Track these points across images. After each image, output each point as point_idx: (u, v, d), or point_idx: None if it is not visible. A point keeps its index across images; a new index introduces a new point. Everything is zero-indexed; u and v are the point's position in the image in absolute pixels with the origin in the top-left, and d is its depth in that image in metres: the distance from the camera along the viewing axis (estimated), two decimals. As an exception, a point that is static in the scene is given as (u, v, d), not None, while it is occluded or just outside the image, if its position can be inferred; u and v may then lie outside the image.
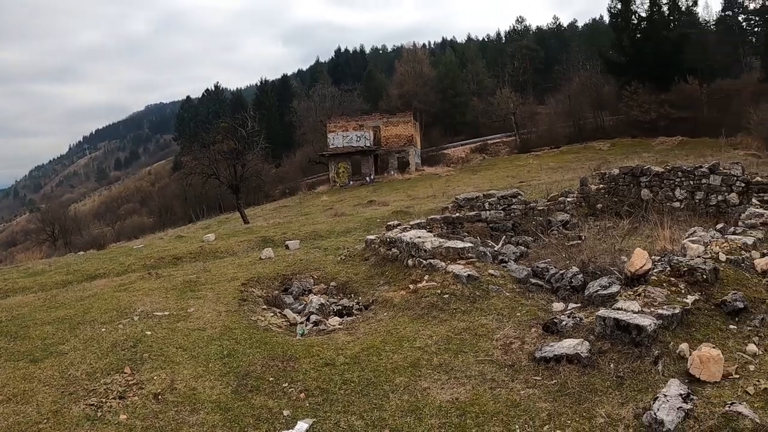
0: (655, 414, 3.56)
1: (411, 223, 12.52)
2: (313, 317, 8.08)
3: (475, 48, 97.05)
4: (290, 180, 64.33)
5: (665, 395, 3.72)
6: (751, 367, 4.36)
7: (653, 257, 6.94)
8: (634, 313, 4.90)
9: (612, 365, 4.51)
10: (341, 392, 5.06)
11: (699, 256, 6.33)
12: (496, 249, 10.48)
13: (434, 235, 10.33)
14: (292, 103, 78.56)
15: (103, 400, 5.17)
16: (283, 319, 8.14)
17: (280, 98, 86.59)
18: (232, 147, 33.72)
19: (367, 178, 46.05)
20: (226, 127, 37.00)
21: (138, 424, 4.70)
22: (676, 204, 13.24)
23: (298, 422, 4.57)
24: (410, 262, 9.30)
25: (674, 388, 3.81)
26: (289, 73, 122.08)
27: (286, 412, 4.79)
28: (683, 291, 5.45)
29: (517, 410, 4.24)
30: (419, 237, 9.81)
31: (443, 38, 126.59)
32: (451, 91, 70.01)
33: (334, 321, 7.90)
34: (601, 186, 14.85)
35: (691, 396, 3.77)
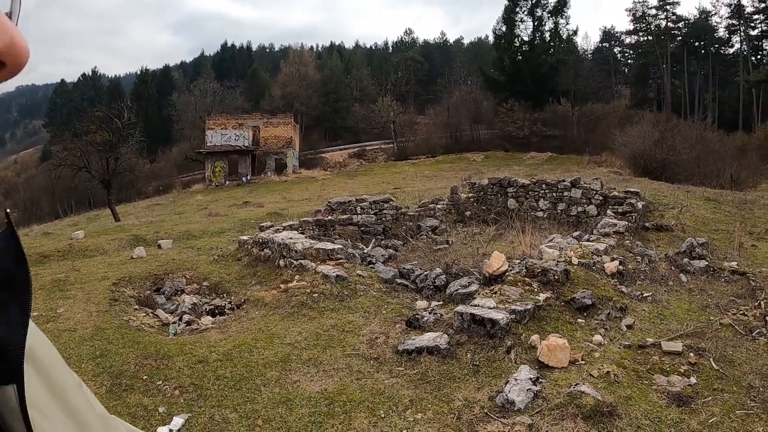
0: (507, 395, 3.90)
1: (284, 224, 12.56)
2: (186, 317, 7.90)
3: (362, 55, 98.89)
4: (165, 177, 61.93)
5: (516, 379, 4.07)
6: (597, 354, 4.87)
7: (514, 261, 7.51)
8: (490, 308, 5.29)
9: (469, 355, 4.85)
10: (215, 387, 5.08)
11: (554, 260, 6.94)
12: (365, 251, 10.75)
13: (306, 237, 10.47)
14: (172, 95, 76.07)
15: None
16: (156, 319, 7.93)
17: (161, 90, 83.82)
18: (105, 139, 32.16)
19: (244, 179, 45.23)
20: (101, 117, 34.89)
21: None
22: (540, 214, 14.30)
23: (174, 418, 4.56)
24: (282, 262, 9.37)
25: (524, 373, 4.18)
26: (172, 64, 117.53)
27: (161, 409, 4.75)
28: (536, 290, 5.97)
29: (381, 397, 4.46)
30: (291, 238, 9.93)
31: (331, 42, 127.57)
32: (334, 95, 70.79)
33: (206, 320, 7.80)
34: (471, 195, 15.69)
35: (540, 379, 4.16)
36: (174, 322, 7.80)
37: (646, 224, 11.17)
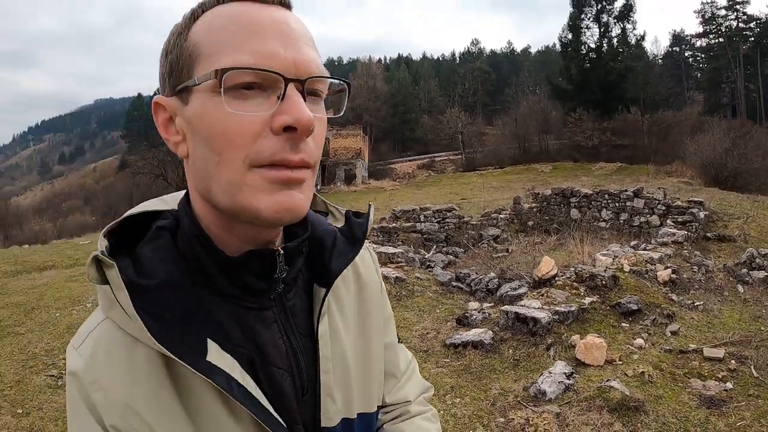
0: (539, 386, 4.13)
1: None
2: None
3: (429, 66, 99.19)
4: None
5: (551, 372, 4.30)
6: (635, 356, 4.99)
7: (570, 268, 7.65)
8: (535, 308, 5.52)
9: (510, 350, 5.10)
10: None
11: (604, 267, 7.06)
12: (426, 257, 11.06)
13: (369, 242, 10.89)
14: None
15: (63, 372, 5.46)
16: None
17: None
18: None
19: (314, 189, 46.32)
20: None
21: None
22: (603, 224, 14.22)
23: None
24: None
25: (560, 367, 4.40)
26: None
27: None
28: (582, 294, 6.13)
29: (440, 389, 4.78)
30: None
31: (399, 54, 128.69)
32: (403, 107, 71.37)
33: None
34: (534, 205, 15.74)
35: (574, 375, 4.37)
36: None
37: (708, 234, 10.99)
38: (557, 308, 5.56)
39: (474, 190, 35.10)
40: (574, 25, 52.83)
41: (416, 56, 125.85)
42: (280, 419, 0.79)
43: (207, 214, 0.80)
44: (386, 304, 1.10)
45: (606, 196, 14.46)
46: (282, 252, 0.81)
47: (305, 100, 0.72)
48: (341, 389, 0.90)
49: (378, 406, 1.02)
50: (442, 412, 4.12)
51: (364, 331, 0.99)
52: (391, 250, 9.65)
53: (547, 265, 6.71)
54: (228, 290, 0.80)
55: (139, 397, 0.74)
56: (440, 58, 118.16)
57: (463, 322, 6.04)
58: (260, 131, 0.71)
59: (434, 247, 12.73)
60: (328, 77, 0.77)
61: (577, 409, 3.79)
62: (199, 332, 0.76)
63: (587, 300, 5.95)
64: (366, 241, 1.01)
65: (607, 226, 14.04)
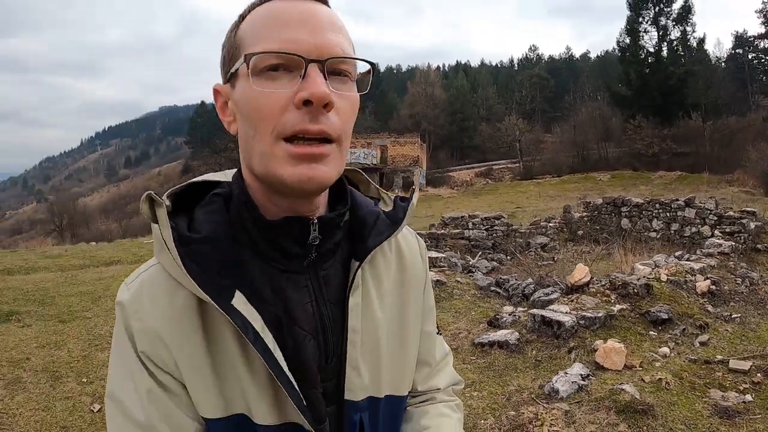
0: (553, 384, 4.30)
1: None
2: None
3: (487, 73, 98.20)
4: None
5: (567, 373, 4.46)
6: (657, 364, 5.01)
7: (610, 276, 7.70)
8: (562, 313, 5.66)
9: (534, 351, 5.27)
10: None
11: (638, 275, 7.10)
12: (471, 263, 11.24)
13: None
14: None
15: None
16: None
17: None
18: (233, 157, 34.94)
19: None
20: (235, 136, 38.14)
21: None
22: (653, 234, 14.01)
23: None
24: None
25: (577, 369, 4.54)
26: None
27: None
28: (613, 301, 6.20)
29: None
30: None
31: (457, 61, 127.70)
32: (461, 114, 71.03)
33: None
34: (585, 214, 15.63)
35: (590, 377, 4.50)
36: None
37: (758, 246, 10.74)
38: (584, 313, 5.68)
39: (530, 199, 34.84)
40: (632, 28, 51.39)
41: (474, 63, 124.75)
42: (291, 378, 0.85)
43: (253, 184, 0.89)
44: (430, 294, 1.15)
45: (657, 205, 14.24)
46: (316, 221, 0.89)
47: (327, 79, 0.80)
48: (369, 365, 0.95)
49: (408, 392, 1.07)
50: (464, 398, 4.36)
51: (401, 313, 1.03)
52: (433, 254, 9.90)
53: (580, 272, 6.81)
54: (265, 251, 0.89)
55: (170, 332, 0.85)
56: (498, 65, 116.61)
57: (494, 323, 6.24)
58: (285, 106, 0.79)
59: (479, 253, 12.87)
60: (349, 57, 0.84)
61: (585, 408, 3.94)
62: (230, 282, 0.85)
63: (617, 307, 6.02)
64: (412, 231, 1.12)
65: (658, 236, 13.83)
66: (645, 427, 3.75)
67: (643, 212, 14.48)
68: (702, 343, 5.73)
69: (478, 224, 14.42)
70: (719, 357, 5.25)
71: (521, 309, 6.97)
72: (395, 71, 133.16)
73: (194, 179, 0.98)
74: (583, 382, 4.35)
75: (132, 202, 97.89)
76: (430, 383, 1.13)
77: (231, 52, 0.86)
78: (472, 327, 6.48)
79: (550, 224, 15.10)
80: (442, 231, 14.27)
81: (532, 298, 7.22)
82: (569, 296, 6.45)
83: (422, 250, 1.12)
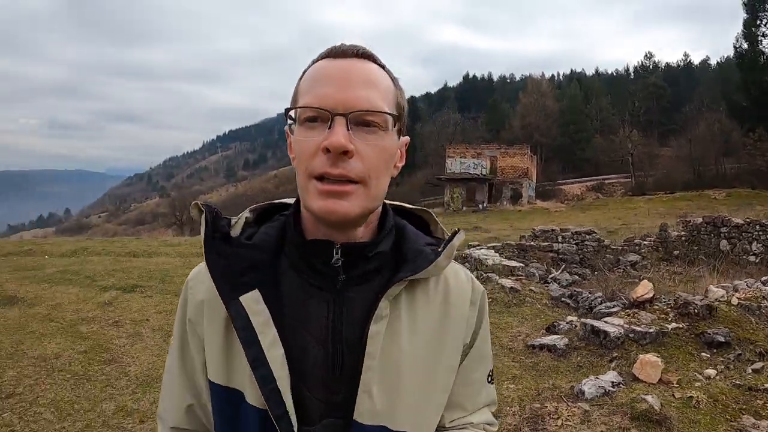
0: (581, 387, 4.65)
1: (488, 245, 13.75)
2: None
3: (602, 82, 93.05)
4: (408, 199, 65.58)
5: (598, 378, 4.77)
6: (697, 384, 4.95)
7: (675, 295, 7.72)
8: (613, 324, 5.91)
9: (578, 357, 5.59)
10: None
11: (706, 298, 7.11)
12: (552, 275, 11.44)
13: (499, 256, 11.57)
14: (416, 125, 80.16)
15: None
16: None
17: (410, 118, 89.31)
18: None
19: (480, 206, 46.18)
20: None
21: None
22: (752, 258, 13.40)
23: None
24: (474, 274, 10.63)
25: (609, 376, 4.84)
26: (418, 95, 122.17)
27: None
28: (670, 319, 6.32)
29: (495, 370, 5.45)
30: (485, 255, 11.13)
31: (572, 70, 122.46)
32: (573, 126, 68.81)
33: None
34: (683, 233, 15.17)
35: (620, 385, 4.76)
36: None
37: None
38: (636, 327, 5.88)
39: (638, 216, 33.57)
40: (749, 32, 46.86)
41: (589, 71, 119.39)
42: (273, 371, 0.94)
43: (305, 211, 1.01)
44: (483, 342, 1.15)
45: (757, 227, 13.60)
46: (338, 246, 0.97)
47: (350, 130, 0.91)
48: (385, 393, 0.98)
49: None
50: (499, 387, 4.86)
51: (435, 352, 1.04)
52: (513, 263, 10.27)
53: (643, 288, 6.95)
54: (298, 264, 1.01)
55: (205, 309, 1.03)
56: (614, 73, 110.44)
57: (551, 329, 6.59)
58: (315, 152, 0.91)
59: (563, 266, 12.97)
60: (373, 111, 0.93)
61: (604, 411, 4.25)
62: (253, 281, 0.98)
63: (672, 325, 6.15)
64: (471, 277, 1.14)
65: (757, 260, 13.22)
66: None
67: (743, 234, 13.87)
68: (755, 371, 5.52)
69: (568, 238, 14.46)
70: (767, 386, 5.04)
71: (583, 319, 7.25)
72: (508, 80, 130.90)
73: (275, 201, 1.15)
74: (611, 389, 4.65)
75: (249, 201, 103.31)
76: (460, 421, 1.14)
77: (293, 99, 1.00)
78: (532, 331, 6.86)
79: (645, 242, 14.84)
80: (531, 243, 14.46)
81: (594, 310, 7.45)
82: (628, 310, 6.65)
83: (475, 296, 1.13)
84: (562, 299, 8.60)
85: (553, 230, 15.02)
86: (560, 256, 13.96)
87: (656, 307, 6.79)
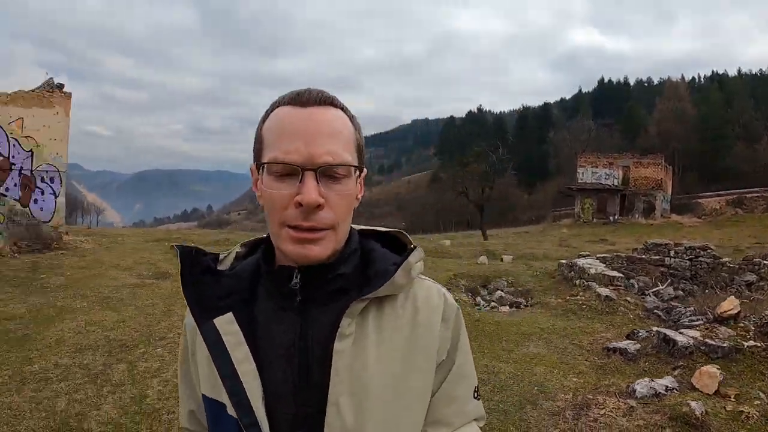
0: (634, 386, 5.15)
1: (598, 255, 14.00)
2: (492, 303, 10.71)
3: (745, 83, 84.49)
4: (539, 209, 64.06)
5: (653, 380, 5.23)
6: (756, 402, 4.93)
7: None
8: (687, 336, 6.25)
9: (646, 363, 6.01)
10: (480, 335, 7.58)
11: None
12: (656, 288, 11.54)
13: (607, 267, 11.90)
14: (549, 132, 77.71)
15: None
16: (472, 300, 10.86)
17: (540, 126, 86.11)
18: (482, 170, 36.76)
19: (611, 218, 44.59)
20: (479, 152, 39.58)
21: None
22: None
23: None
24: (577, 281, 11.09)
25: (665, 381, 5.25)
26: (552, 101, 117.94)
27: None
28: (749, 337, 6.48)
29: (566, 366, 6.20)
30: (589, 264, 11.52)
31: (713, 71, 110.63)
32: (713, 132, 63.74)
33: (504, 309, 10.34)
34: (814, 256, 14.36)
35: (674, 390, 5.07)
36: (483, 305, 10.62)
37: None
38: (709, 341, 6.12)
39: (777, 234, 31.16)
40: None
41: (731, 71, 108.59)
42: (243, 384, 1.01)
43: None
44: (462, 359, 1.16)
45: None
46: (296, 270, 1.04)
47: (318, 182, 0.97)
48: (353, 409, 1.01)
49: None
50: (563, 379, 5.62)
51: (404, 369, 1.06)
52: (613, 273, 10.61)
53: (728, 304, 7.14)
54: (269, 287, 1.09)
55: (193, 330, 1.11)
56: (758, 74, 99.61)
57: (630, 336, 7.03)
58: (288, 203, 0.98)
59: (669, 281, 12.90)
60: (339, 164, 1.00)
61: (648, 409, 4.69)
62: (227, 304, 1.07)
63: (749, 343, 6.28)
64: (444, 294, 1.16)
65: None
66: None
67: None
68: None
69: (681, 253, 14.24)
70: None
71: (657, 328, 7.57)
72: (645, 84, 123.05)
73: (264, 236, 1.16)
74: (662, 392, 5.05)
75: (383, 206, 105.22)
76: None
77: (257, 145, 1.05)
78: (614, 337, 7.31)
79: (765, 261, 14.25)
80: (642, 256, 14.41)
81: (678, 323, 7.73)
82: (709, 324, 6.91)
83: (447, 313, 1.14)
84: (655, 311, 8.85)
85: (666, 244, 14.82)
86: (670, 271, 13.81)
87: (741, 324, 6.96)
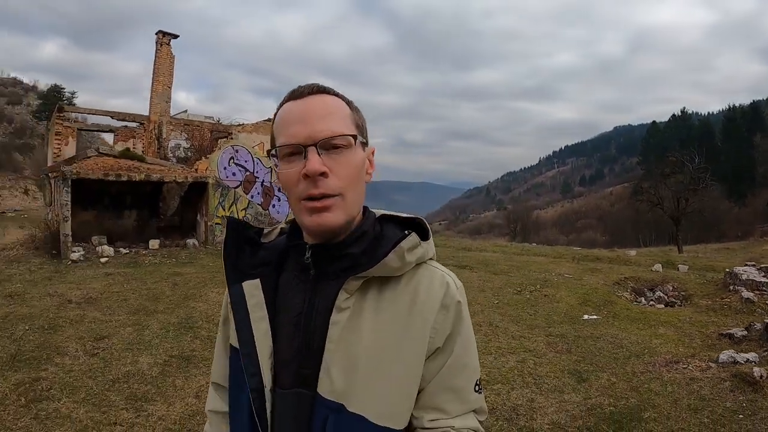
0: (720, 355, 6.17)
1: (762, 265, 13.93)
2: (651, 302, 11.80)
3: None
4: (749, 223, 57.69)
5: (738, 353, 6.16)
6: None
7: None
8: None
9: (746, 345, 6.89)
10: (626, 319, 8.93)
11: None
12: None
13: (762, 275, 12.12)
14: (756, 135, 68.68)
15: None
16: (634, 298, 12.08)
17: (750, 128, 75.86)
18: (679, 180, 34.86)
19: None
20: (674, 161, 37.37)
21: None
22: None
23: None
24: (731, 287, 11.62)
25: (749, 355, 6.02)
26: (764, 98, 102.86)
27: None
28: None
29: (680, 342, 7.39)
30: (743, 271, 11.96)
31: None
32: None
33: (659, 306, 11.37)
34: None
35: (752, 362, 5.91)
36: (641, 301, 11.82)
37: None
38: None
39: None
40: None
41: None
42: (255, 339, 1.16)
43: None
44: (462, 348, 1.19)
45: None
46: (308, 246, 1.17)
47: (321, 155, 1.08)
48: (342, 375, 1.10)
49: (398, 428, 1.13)
50: (672, 348, 6.88)
51: (396, 346, 1.12)
52: (762, 279, 10.94)
53: None
54: (292, 260, 1.23)
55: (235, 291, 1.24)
56: None
57: (747, 327, 7.69)
58: (298, 179, 1.09)
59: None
60: (335, 135, 1.10)
61: (719, 369, 5.78)
62: (257, 272, 1.22)
63: None
64: (451, 282, 1.21)
65: None
66: (743, 391, 5.28)
67: None
68: None
69: None
70: None
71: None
72: None
73: None
74: (741, 361, 6.00)
75: (583, 218, 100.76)
76: (441, 423, 1.16)
77: (271, 142, 1.18)
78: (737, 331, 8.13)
79: None
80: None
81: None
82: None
83: (447, 300, 1.17)
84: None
85: None
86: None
87: None
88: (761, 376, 5.65)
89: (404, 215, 1.27)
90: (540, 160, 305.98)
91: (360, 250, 1.15)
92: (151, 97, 22.94)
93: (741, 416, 4.83)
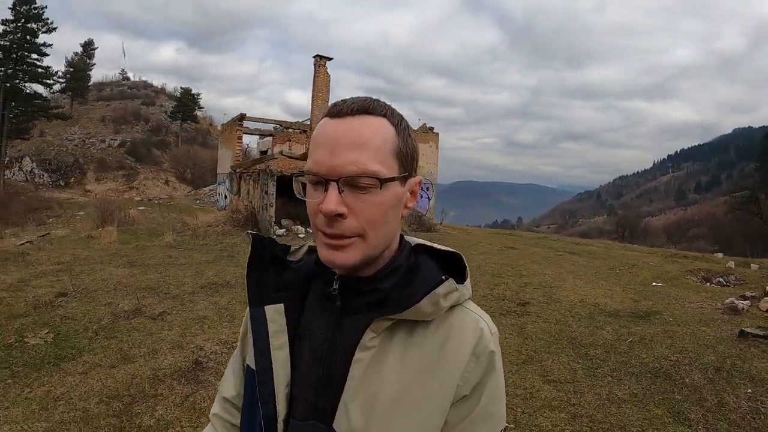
0: (724, 300, 10.11)
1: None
2: (712, 285, 13.38)
3: None
4: None
5: (739, 300, 9.97)
6: None
7: None
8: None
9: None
10: (683, 286, 12.02)
11: None
12: None
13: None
14: None
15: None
16: (700, 282, 13.13)
17: None
18: None
19: None
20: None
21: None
22: None
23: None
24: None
25: (746, 302, 9.78)
26: None
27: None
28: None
29: (705, 299, 10.81)
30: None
31: None
32: None
33: (712, 285, 13.55)
34: None
35: (744, 304, 9.09)
36: (702, 284, 13.71)
37: None
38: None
39: None
40: None
41: None
42: (273, 367, 1.09)
43: None
44: (489, 399, 1.07)
45: None
46: (336, 278, 1.09)
47: (342, 192, 0.98)
48: (361, 413, 1.01)
49: None
50: (693, 297, 10.69)
51: (421, 391, 1.03)
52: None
53: None
54: (318, 286, 1.14)
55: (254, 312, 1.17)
56: None
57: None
58: (317, 211, 1.00)
59: None
60: (359, 175, 0.97)
61: (719, 306, 9.21)
62: (281, 296, 1.14)
63: None
64: (489, 332, 1.08)
65: None
66: (728, 313, 8.64)
67: None
68: None
69: None
70: None
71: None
72: None
73: None
74: (737, 304, 9.21)
75: (695, 227, 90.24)
76: None
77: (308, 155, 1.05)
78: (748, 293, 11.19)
79: None
80: None
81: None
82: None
83: (479, 349, 1.06)
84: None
85: None
86: None
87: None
88: (742, 308, 9.48)
89: (441, 247, 1.16)
90: (654, 164, 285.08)
91: (391, 285, 1.07)
92: (312, 110, 26.48)
93: (720, 320, 8.75)
